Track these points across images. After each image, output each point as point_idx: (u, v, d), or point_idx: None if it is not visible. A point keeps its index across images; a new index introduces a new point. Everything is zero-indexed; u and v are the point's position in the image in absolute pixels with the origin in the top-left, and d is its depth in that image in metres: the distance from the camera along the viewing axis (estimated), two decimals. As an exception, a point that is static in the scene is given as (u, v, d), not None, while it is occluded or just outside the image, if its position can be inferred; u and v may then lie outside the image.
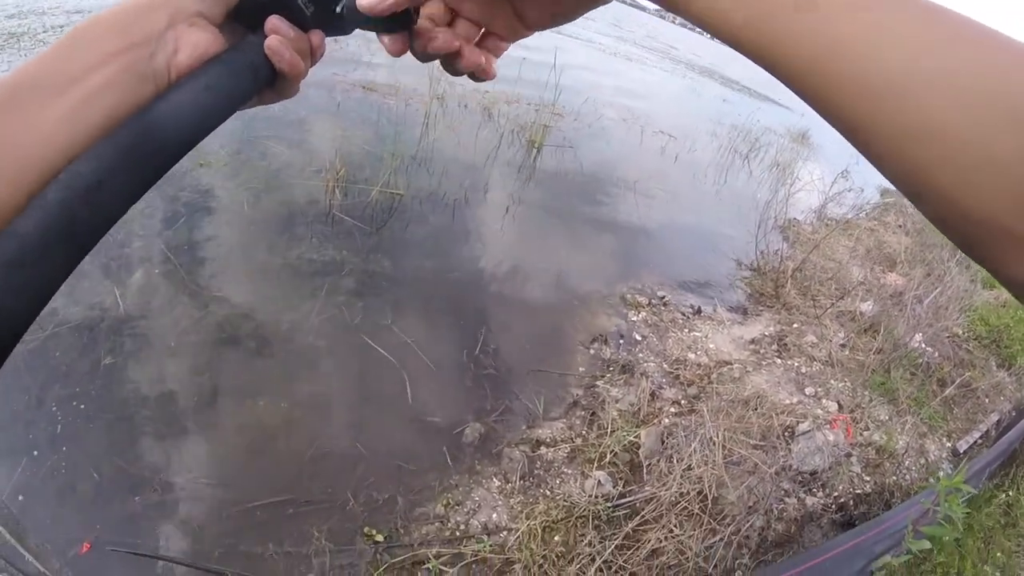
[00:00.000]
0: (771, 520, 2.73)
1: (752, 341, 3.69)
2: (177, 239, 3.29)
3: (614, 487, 2.61)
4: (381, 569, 2.16)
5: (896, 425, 3.33)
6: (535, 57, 6.04)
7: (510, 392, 2.97)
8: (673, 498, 2.59)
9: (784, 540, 2.73)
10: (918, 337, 3.97)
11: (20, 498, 2.12)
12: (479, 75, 0.47)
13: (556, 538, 2.41)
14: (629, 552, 2.40)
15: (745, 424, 2.97)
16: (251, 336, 2.96)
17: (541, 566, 2.29)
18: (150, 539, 2.14)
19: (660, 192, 5.06)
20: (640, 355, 3.31)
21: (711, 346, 3.53)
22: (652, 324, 3.55)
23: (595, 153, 5.21)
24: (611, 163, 5.26)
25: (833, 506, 2.91)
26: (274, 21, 0.43)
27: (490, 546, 2.31)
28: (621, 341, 3.38)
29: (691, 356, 3.39)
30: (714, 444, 2.79)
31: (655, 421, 2.93)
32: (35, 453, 2.24)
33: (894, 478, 3.10)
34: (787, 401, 3.25)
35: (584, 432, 2.85)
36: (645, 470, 2.70)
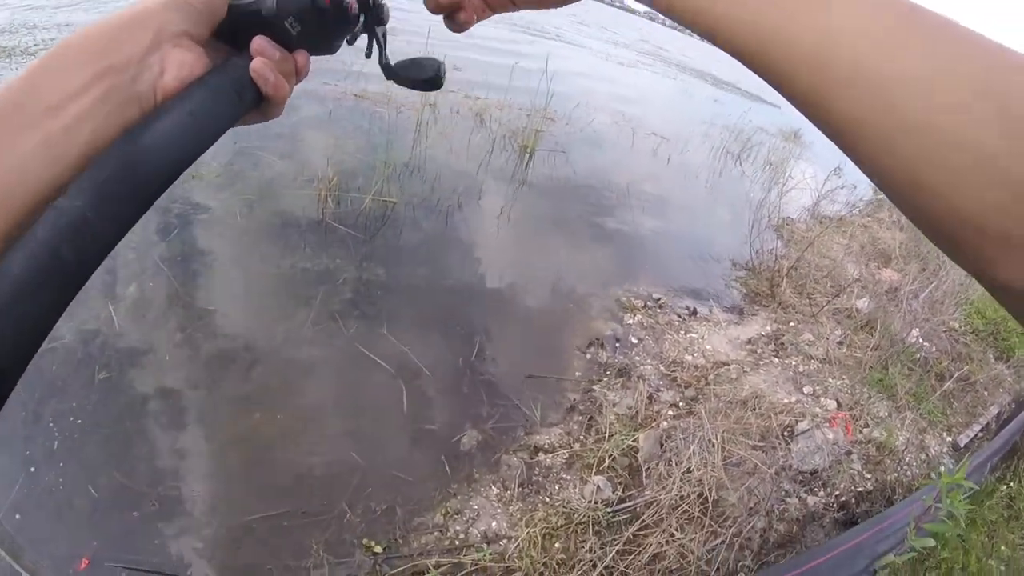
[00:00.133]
0: (773, 521, 2.71)
1: (749, 341, 3.68)
2: (171, 251, 3.28)
3: (613, 492, 2.59)
4: (380, 580, 2.15)
5: (896, 421, 3.32)
6: (526, 63, 6.07)
7: (507, 398, 2.95)
8: (673, 501, 2.57)
9: (786, 540, 2.72)
10: (915, 332, 3.97)
11: (17, 516, 2.10)
12: (455, 29, 0.49)
13: (556, 545, 2.39)
14: (630, 557, 2.38)
15: (744, 425, 2.96)
16: (245, 348, 2.94)
17: (542, 574, 2.27)
18: (149, 554, 2.12)
19: (653, 194, 5.06)
20: (637, 358, 3.30)
21: (708, 347, 3.53)
22: (648, 327, 3.54)
23: (587, 157, 5.21)
24: (603, 166, 5.26)
25: (835, 505, 2.90)
26: (259, 42, 0.43)
27: (490, 555, 2.29)
28: (617, 344, 3.37)
29: (688, 358, 3.38)
30: (713, 446, 2.78)
31: (653, 424, 2.92)
32: (32, 469, 2.22)
33: (895, 474, 3.09)
34: (785, 400, 3.24)
35: (582, 437, 2.84)
36: (644, 474, 2.69)
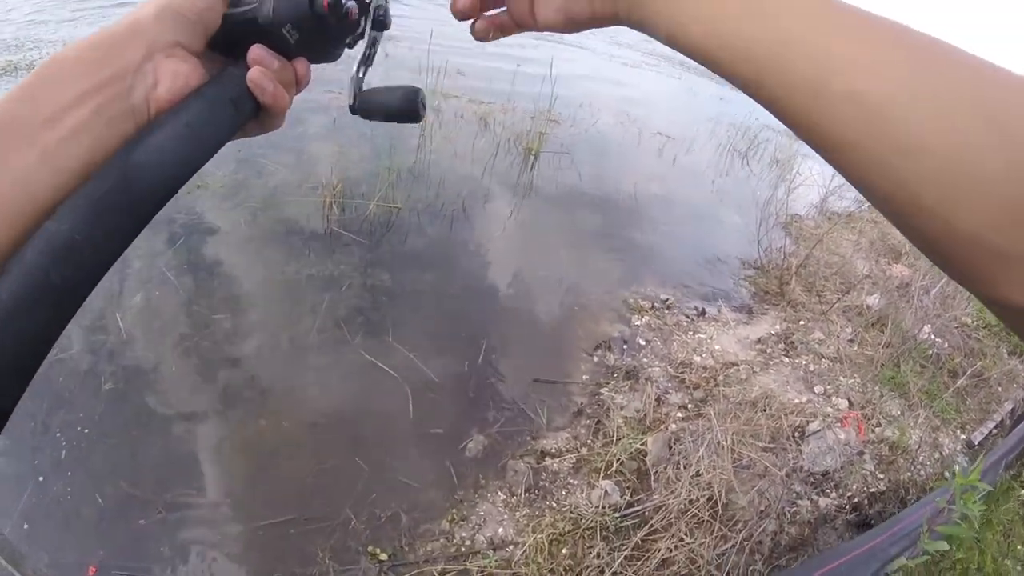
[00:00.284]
0: (784, 524, 2.67)
1: (758, 341, 3.64)
2: (176, 260, 3.30)
3: (621, 496, 2.57)
4: (386, 588, 2.15)
5: (908, 419, 3.27)
6: (529, 68, 6.06)
7: (513, 403, 2.94)
8: (682, 505, 2.54)
9: (798, 544, 2.68)
10: (927, 328, 3.91)
11: (25, 525, 2.13)
12: (477, 39, 0.50)
13: (564, 551, 2.37)
14: (639, 563, 2.35)
15: (754, 426, 2.92)
16: (251, 355, 2.95)
17: (549, 580, 2.26)
18: (155, 562, 2.14)
19: (659, 194, 5.02)
20: (644, 360, 3.27)
21: (717, 348, 3.49)
22: (656, 328, 3.50)
23: (592, 158, 5.19)
24: (609, 167, 5.23)
25: (847, 506, 2.85)
26: (257, 51, 0.41)
27: (496, 561, 2.28)
28: (625, 347, 3.34)
29: (696, 359, 3.35)
30: (722, 448, 2.75)
31: (661, 427, 2.89)
32: (40, 479, 2.26)
33: (908, 474, 3.04)
34: (796, 401, 3.19)
35: (589, 441, 2.81)
36: (653, 478, 2.66)
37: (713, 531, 2.51)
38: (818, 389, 3.32)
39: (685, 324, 3.61)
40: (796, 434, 2.99)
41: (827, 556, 2.36)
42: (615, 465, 2.67)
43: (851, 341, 3.78)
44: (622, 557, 2.34)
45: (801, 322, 3.87)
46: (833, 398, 3.28)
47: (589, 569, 2.31)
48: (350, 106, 0.47)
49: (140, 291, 3.11)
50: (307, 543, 2.28)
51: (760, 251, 4.51)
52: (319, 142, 4.50)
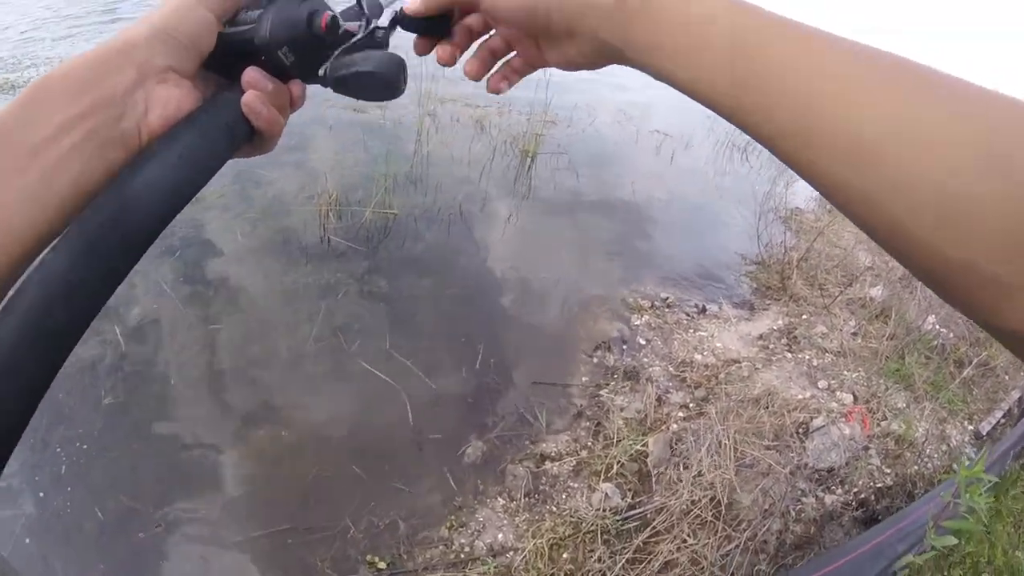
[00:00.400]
0: (789, 522, 2.64)
1: (760, 337, 3.60)
2: (174, 273, 3.32)
3: (623, 499, 2.54)
4: (384, 598, 2.14)
5: (915, 412, 3.22)
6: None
7: (512, 407, 2.92)
8: (684, 506, 2.52)
9: (804, 542, 2.64)
10: (931, 319, 3.85)
11: (27, 540, 2.15)
12: (493, 92, 0.52)
13: (564, 555, 2.35)
14: (641, 566, 2.32)
15: (757, 424, 2.89)
16: (249, 366, 2.96)
17: (550, 585, 2.24)
18: (155, 575, 2.14)
19: (658, 191, 4.99)
20: (645, 360, 3.24)
21: (718, 345, 3.45)
22: (656, 327, 3.47)
23: (589, 157, 5.15)
24: (606, 166, 5.20)
25: (853, 503, 2.81)
26: (251, 74, 0.41)
27: (495, 568, 2.26)
28: (624, 347, 3.32)
29: (698, 357, 3.32)
30: (725, 447, 2.72)
31: (663, 427, 2.86)
32: (41, 495, 2.27)
33: (916, 468, 2.99)
34: (799, 396, 3.16)
35: (589, 443, 2.79)
36: (654, 479, 2.63)
37: (716, 532, 2.48)
38: (822, 384, 3.28)
39: (686, 322, 3.58)
40: (800, 431, 2.95)
41: (833, 554, 2.33)
42: (616, 467, 2.64)
43: (855, 334, 3.73)
44: (624, 560, 2.32)
45: (803, 316, 3.82)
46: (837, 393, 3.24)
47: (590, 573, 2.29)
48: (320, 77, 0.45)
49: (138, 305, 3.13)
50: (307, 553, 2.28)
51: (760, 246, 4.47)
52: (315, 151, 4.51)
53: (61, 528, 2.21)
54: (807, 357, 3.47)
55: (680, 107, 7.38)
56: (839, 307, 3.96)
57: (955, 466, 2.94)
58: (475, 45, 0.50)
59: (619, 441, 2.74)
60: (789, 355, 3.48)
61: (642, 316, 3.52)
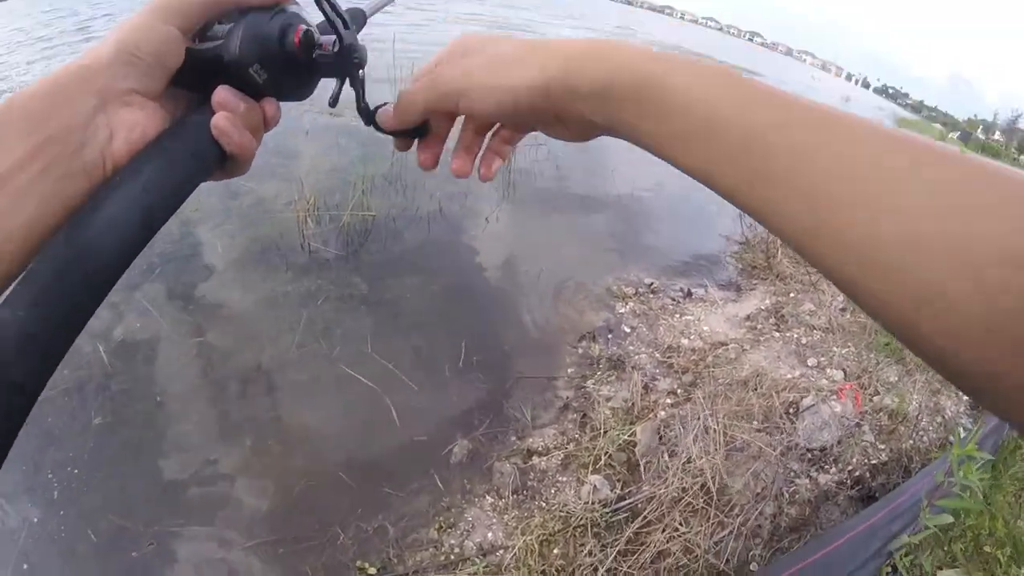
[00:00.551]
0: (783, 505, 2.60)
1: (748, 317, 3.56)
2: (155, 290, 3.29)
3: (612, 490, 2.51)
4: (375, 603, 2.11)
5: (907, 385, 3.18)
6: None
7: (497, 403, 2.88)
8: (675, 495, 2.48)
9: (799, 524, 2.60)
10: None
11: (25, 566, 2.14)
12: (484, 180, 0.49)
13: (555, 551, 2.32)
14: (633, 557, 2.29)
15: (746, 407, 2.86)
16: (233, 378, 2.94)
17: (541, 582, 2.21)
18: (148, 594, 2.11)
19: (639, 179, 4.95)
20: (631, 348, 3.21)
21: (705, 329, 3.42)
22: (641, 314, 3.44)
23: (569, 150, 5.10)
24: (586, 157, 5.16)
25: (848, 481, 2.77)
26: (221, 94, 0.38)
27: (485, 567, 2.23)
28: (610, 336, 3.28)
29: (684, 342, 3.28)
30: (714, 432, 2.68)
31: (650, 415, 2.82)
32: (35, 520, 2.25)
33: (911, 442, 2.96)
34: (789, 376, 3.12)
35: (577, 436, 2.75)
36: (643, 469, 2.60)
37: (709, 518, 2.44)
38: (811, 362, 3.24)
39: (671, 307, 3.54)
40: (790, 411, 2.92)
41: (827, 537, 2.29)
42: (603, 459, 2.61)
43: (843, 310, 3.69)
44: (615, 553, 2.28)
45: (791, 294, 3.79)
46: (827, 370, 3.20)
47: (582, 568, 2.25)
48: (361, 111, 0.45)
49: (121, 324, 3.11)
50: (297, 562, 2.26)
51: (744, 225, 4.43)
52: (291, 156, 4.48)
53: (56, 552, 2.20)
54: (795, 335, 3.43)
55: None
56: (827, 283, 3.92)
57: (951, 438, 2.92)
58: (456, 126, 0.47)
59: (606, 432, 2.70)
60: (777, 334, 3.44)
61: (627, 304, 3.48)
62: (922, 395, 3.13)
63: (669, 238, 4.25)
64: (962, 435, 2.89)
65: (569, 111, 0.38)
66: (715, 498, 2.49)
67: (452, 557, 2.30)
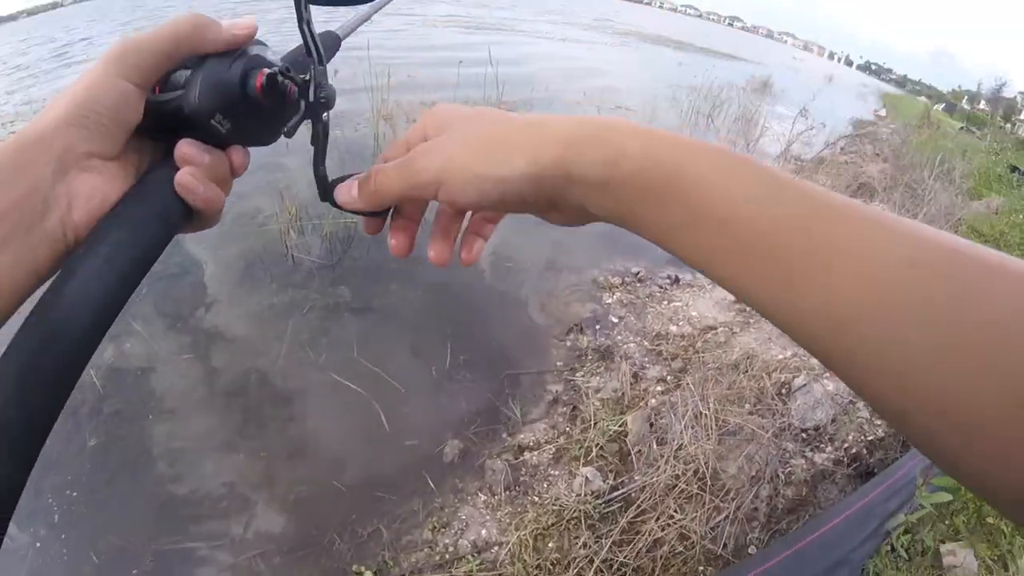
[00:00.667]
0: (778, 486, 2.58)
1: (736, 300, 3.54)
2: (142, 311, 3.30)
3: (604, 481, 2.49)
4: (372, 606, 2.10)
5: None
6: (473, 54, 5.98)
7: (487, 401, 2.87)
8: (668, 482, 2.46)
9: (796, 505, 2.58)
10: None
11: (30, 592, 2.14)
12: (466, 265, 0.45)
13: (550, 545, 2.30)
14: (628, 547, 2.28)
15: (737, 390, 2.84)
16: (223, 393, 2.95)
17: (537, 577, 2.19)
18: (150, 610, 2.12)
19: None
20: (619, 337, 3.19)
21: (693, 314, 3.40)
22: (628, 303, 3.42)
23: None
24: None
25: (845, 459, 2.75)
26: (184, 149, 0.36)
27: (479, 565, 2.22)
28: (597, 327, 3.26)
29: (673, 328, 3.26)
30: (705, 417, 2.66)
31: (641, 404, 2.81)
32: (38, 545, 2.27)
33: (907, 415, 2.93)
34: (780, 357, 3.10)
35: (567, 429, 2.74)
36: (635, 458, 2.58)
37: (704, 504, 2.42)
38: (802, 341, 3.21)
39: (659, 294, 3.52)
40: (782, 391, 2.90)
41: (825, 517, 2.27)
42: (595, 450, 2.59)
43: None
44: (610, 543, 2.27)
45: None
46: (819, 348, 3.17)
47: (577, 560, 2.24)
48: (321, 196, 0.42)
49: (110, 346, 3.12)
50: (294, 570, 2.26)
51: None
52: (270, 169, 4.47)
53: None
54: (786, 316, 3.40)
55: (642, 80, 7.32)
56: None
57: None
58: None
59: (596, 423, 2.69)
60: (767, 316, 3.41)
61: (613, 294, 3.46)
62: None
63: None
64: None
65: (565, 200, 0.34)
66: (709, 483, 2.47)
67: (447, 556, 2.29)
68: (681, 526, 2.35)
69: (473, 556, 2.25)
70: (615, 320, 3.28)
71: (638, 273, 3.65)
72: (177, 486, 2.51)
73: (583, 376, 2.95)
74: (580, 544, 2.27)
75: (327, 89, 0.40)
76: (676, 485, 2.47)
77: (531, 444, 2.68)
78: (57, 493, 2.42)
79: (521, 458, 2.61)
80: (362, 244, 3.84)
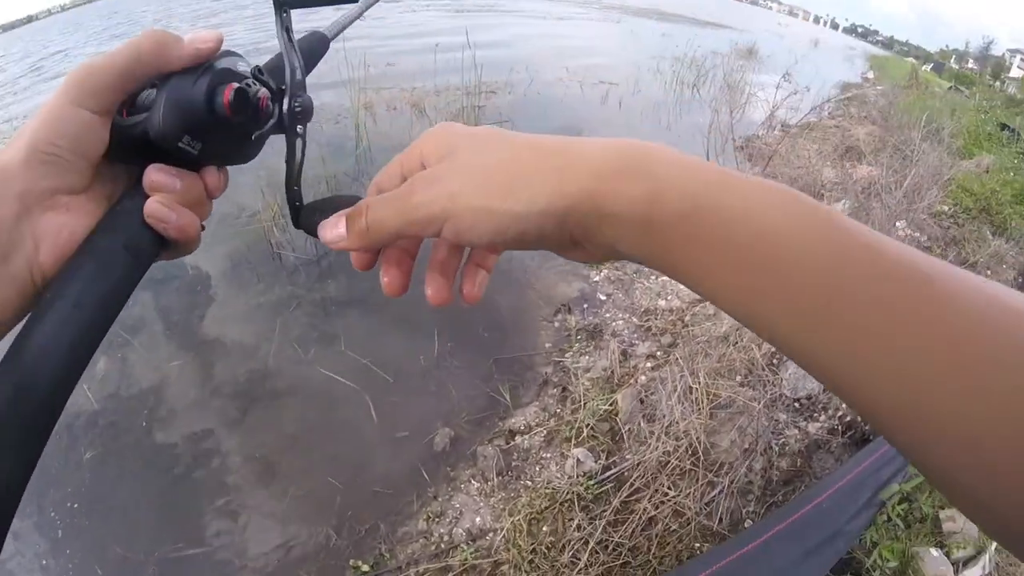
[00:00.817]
0: (772, 458, 2.57)
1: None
2: (131, 320, 3.29)
3: (596, 462, 2.48)
4: (371, 599, 2.10)
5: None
6: (451, 39, 5.87)
7: (476, 387, 2.86)
8: (661, 458, 2.46)
9: (792, 476, 2.58)
10: (900, 224, 3.74)
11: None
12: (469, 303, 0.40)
13: (544, 528, 2.30)
14: (622, 527, 2.27)
15: (727, 362, 2.82)
16: (215, 396, 2.95)
17: (532, 561, 2.19)
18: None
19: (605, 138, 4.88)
20: (607, 315, 3.17)
21: (681, 288, 3.36)
22: (616, 280, 3.39)
23: (534, 120, 5.03)
24: (552, 127, 5.07)
25: (840, 427, 2.74)
26: (152, 176, 0.34)
27: (474, 552, 2.22)
28: (585, 306, 3.24)
29: (661, 303, 3.23)
30: (696, 391, 2.65)
31: (631, 382, 2.79)
32: (44, 563, 2.28)
33: (902, 379, 2.91)
34: (770, 326, 3.07)
35: (558, 411, 2.73)
36: (626, 436, 2.57)
37: (697, 479, 2.42)
38: (793, 309, 3.19)
39: (647, 269, 3.49)
40: (773, 362, 2.88)
41: (819, 487, 2.26)
42: (586, 431, 2.58)
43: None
44: (604, 524, 2.27)
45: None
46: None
47: (572, 542, 2.24)
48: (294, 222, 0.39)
49: (101, 358, 3.11)
50: (293, 569, 2.26)
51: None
52: (249, 167, 4.38)
53: (67, 591, 2.22)
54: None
55: (625, 54, 7.20)
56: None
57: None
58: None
59: (586, 403, 2.67)
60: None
61: (600, 271, 3.43)
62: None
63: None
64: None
65: (592, 240, 0.30)
66: (702, 458, 2.47)
67: (442, 546, 2.29)
68: (675, 503, 2.35)
69: (468, 544, 2.25)
70: (603, 298, 3.25)
71: (625, 250, 3.61)
72: (173, 493, 2.52)
73: (572, 356, 2.93)
74: (574, 526, 2.27)
75: (303, 99, 0.37)
76: (669, 462, 2.46)
77: (522, 428, 2.67)
78: (59, 507, 2.42)
79: (513, 442, 2.61)
80: (346, 237, 3.81)
